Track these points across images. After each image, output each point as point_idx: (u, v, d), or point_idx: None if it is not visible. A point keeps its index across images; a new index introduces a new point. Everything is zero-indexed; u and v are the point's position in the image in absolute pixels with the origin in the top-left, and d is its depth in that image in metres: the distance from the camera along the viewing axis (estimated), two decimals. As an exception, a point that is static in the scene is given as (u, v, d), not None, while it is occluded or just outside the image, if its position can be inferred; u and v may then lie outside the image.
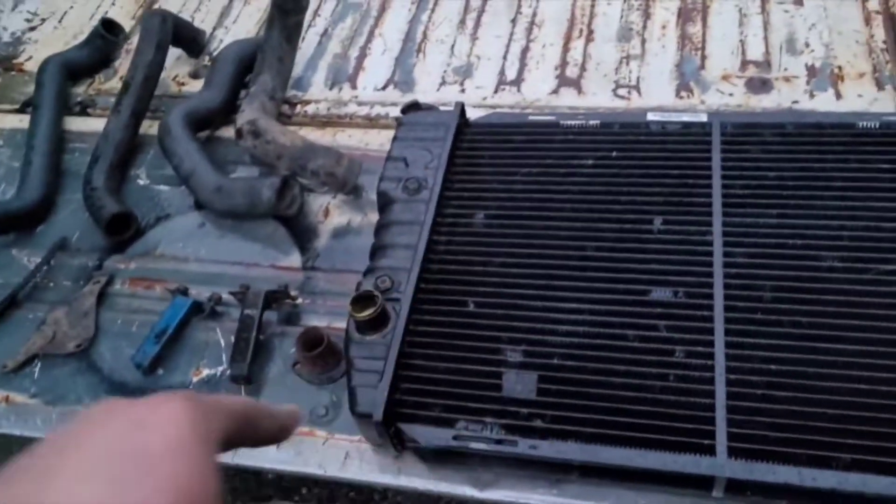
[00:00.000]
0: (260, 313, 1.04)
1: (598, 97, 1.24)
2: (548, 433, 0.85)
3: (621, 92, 1.24)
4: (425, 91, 1.30)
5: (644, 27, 1.33)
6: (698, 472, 0.80)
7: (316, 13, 1.48)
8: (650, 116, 1.10)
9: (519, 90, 1.28)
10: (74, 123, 1.38)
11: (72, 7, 1.63)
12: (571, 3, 1.40)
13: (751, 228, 0.96)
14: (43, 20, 1.62)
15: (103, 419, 0.35)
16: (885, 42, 1.23)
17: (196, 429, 0.35)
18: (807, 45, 1.25)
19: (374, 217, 1.14)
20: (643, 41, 1.31)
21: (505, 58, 1.33)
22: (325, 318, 1.07)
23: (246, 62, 1.32)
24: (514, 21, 1.39)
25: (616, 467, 0.82)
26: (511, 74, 1.30)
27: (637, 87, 1.24)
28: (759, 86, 1.21)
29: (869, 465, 0.78)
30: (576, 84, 1.27)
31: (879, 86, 1.17)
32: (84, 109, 1.40)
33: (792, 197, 0.98)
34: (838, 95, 1.17)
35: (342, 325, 0.99)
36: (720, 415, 0.82)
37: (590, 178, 1.05)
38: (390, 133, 1.19)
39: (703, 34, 1.30)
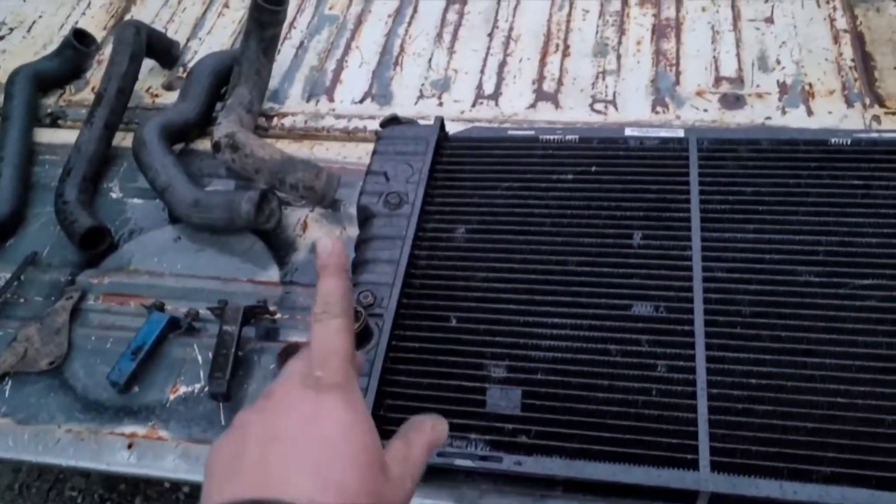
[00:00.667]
0: (238, 329, 1.03)
1: (575, 112, 1.25)
2: (532, 449, 0.85)
3: (598, 107, 1.26)
4: (403, 104, 1.30)
5: (619, 42, 1.35)
6: (682, 486, 0.80)
7: (292, 25, 1.48)
8: (628, 132, 1.12)
9: (497, 104, 1.29)
10: (45, 135, 1.35)
11: (41, 16, 1.60)
12: (547, 19, 1.41)
13: (729, 243, 0.97)
14: (11, 29, 1.59)
15: (281, 411, 0.50)
16: (853, 60, 1.26)
17: (352, 410, 0.51)
18: (778, 62, 1.27)
19: (353, 230, 1.14)
20: (618, 56, 1.33)
21: (482, 72, 1.34)
22: (304, 334, 1.06)
23: (222, 74, 1.31)
24: (490, 35, 1.40)
25: (601, 483, 0.83)
26: (489, 88, 1.31)
27: (613, 102, 1.26)
28: (733, 101, 1.23)
29: (849, 478, 0.79)
30: (553, 98, 1.28)
31: (849, 103, 1.20)
32: (54, 121, 1.37)
33: (768, 212, 1.00)
34: (809, 112, 1.20)
35: (323, 340, 0.98)
36: (702, 429, 0.83)
37: (570, 193, 1.06)
38: (368, 146, 1.19)
39: (677, 50, 1.32)
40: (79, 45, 1.41)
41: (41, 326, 1.08)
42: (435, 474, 0.89)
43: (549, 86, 1.30)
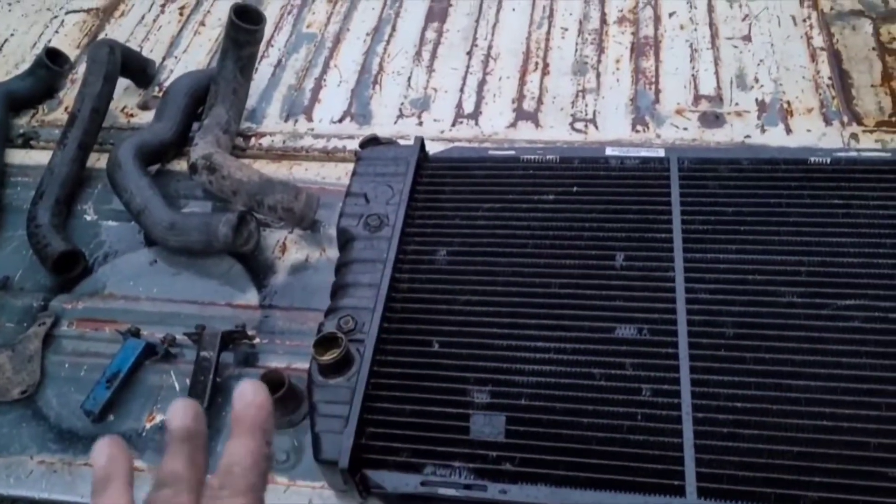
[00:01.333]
0: (216, 355, 1.01)
1: (555, 130, 1.25)
2: (517, 476, 0.84)
3: (578, 125, 1.25)
4: (382, 124, 1.29)
5: (599, 61, 1.35)
6: (669, 513, 0.80)
7: (270, 44, 1.46)
8: (609, 151, 1.11)
9: (477, 123, 1.28)
10: (16, 156, 1.33)
11: (13, 35, 1.58)
12: (526, 37, 1.41)
13: (711, 264, 0.97)
14: (-18, 48, 1.56)
15: None
16: (830, 78, 1.27)
17: None
18: (756, 80, 1.28)
19: (332, 252, 1.13)
20: (598, 74, 1.33)
21: (462, 90, 1.33)
22: (284, 359, 1.04)
23: (198, 94, 1.29)
24: (470, 53, 1.40)
25: (586, 510, 0.82)
26: (468, 107, 1.30)
27: (594, 121, 1.25)
28: (713, 120, 1.23)
29: (835, 503, 0.78)
30: (533, 117, 1.28)
31: (827, 121, 1.21)
32: (27, 142, 1.34)
33: (750, 232, 0.99)
34: (788, 130, 1.20)
35: (303, 365, 0.97)
36: (688, 454, 0.82)
37: (552, 214, 1.05)
38: (348, 166, 1.17)
39: (656, 68, 1.32)
40: (52, 64, 1.38)
41: (13, 354, 1.06)
42: (418, 502, 0.88)
43: (529, 104, 1.29)
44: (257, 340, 1.06)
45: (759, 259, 0.97)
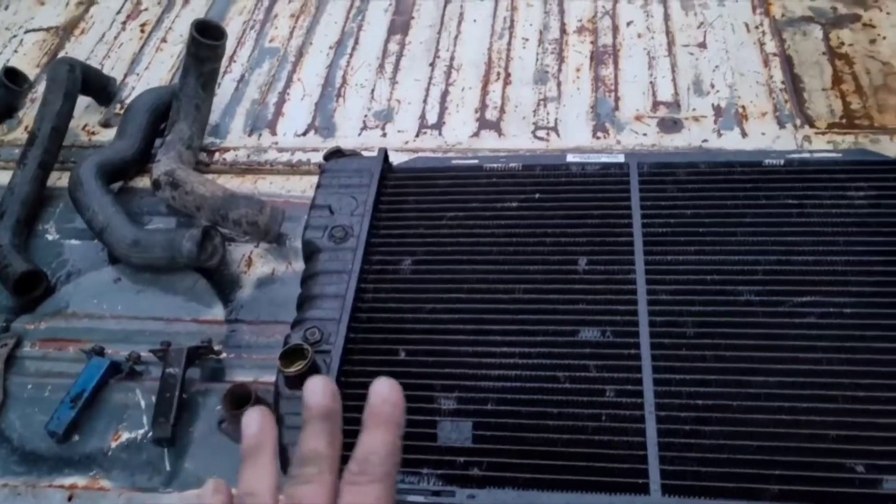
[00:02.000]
0: (182, 371, 1.00)
1: (518, 139, 1.26)
2: (485, 481, 0.84)
3: (540, 133, 1.27)
4: (346, 136, 1.30)
5: (559, 70, 1.37)
6: (635, 512, 0.81)
7: (232, 59, 1.46)
8: (570, 158, 1.13)
9: (440, 133, 1.29)
10: (-25, 177, 1.31)
11: (-30, 54, 1.57)
12: (488, 48, 1.43)
13: (671, 266, 0.99)
14: (-61, 68, 1.54)
15: None
16: (783, 82, 1.30)
17: None
18: (712, 85, 1.31)
19: (298, 265, 1.13)
20: (559, 83, 1.35)
21: (425, 101, 1.34)
22: (251, 373, 1.04)
23: (160, 110, 1.29)
24: (432, 65, 1.41)
25: (554, 512, 0.83)
26: (432, 118, 1.32)
27: (555, 129, 1.27)
28: (671, 125, 1.26)
29: (796, 495, 0.80)
30: (496, 126, 1.29)
31: (781, 124, 1.24)
32: (-14, 162, 1.33)
33: (708, 234, 1.01)
34: (744, 134, 1.23)
35: (270, 378, 0.97)
36: (652, 452, 0.83)
37: (515, 221, 1.06)
38: (312, 179, 1.18)
39: (616, 76, 1.34)
40: (10, 83, 1.37)
41: (-26, 376, 1.04)
42: (387, 510, 0.88)
43: (491, 114, 1.31)
44: (224, 355, 1.06)
45: (717, 259, 0.99)
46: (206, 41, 1.22)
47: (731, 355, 0.90)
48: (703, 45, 1.38)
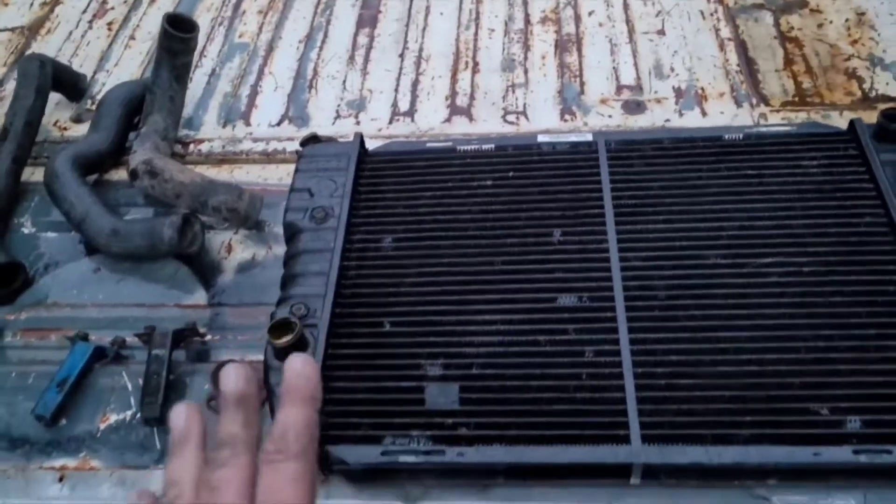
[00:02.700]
0: (168, 353, 1.02)
1: (488, 123, 1.30)
2: (473, 440, 0.87)
3: (510, 118, 1.31)
4: (321, 125, 1.32)
5: (525, 58, 1.41)
6: (617, 461, 0.85)
7: (202, 54, 1.48)
8: (541, 138, 1.17)
9: (413, 120, 1.33)
10: (-52, 174, 1.30)
11: (-65, 56, 1.56)
12: (455, 38, 1.47)
13: (641, 234, 1.03)
14: None
15: None
16: (738, 65, 1.36)
17: None
18: (672, 69, 1.36)
19: (278, 250, 1.15)
20: (526, 71, 1.39)
21: (396, 90, 1.38)
22: (237, 353, 1.05)
23: (133, 104, 1.30)
24: (402, 56, 1.45)
25: (540, 465, 0.86)
26: (404, 106, 1.35)
27: (524, 113, 1.32)
28: (635, 107, 1.31)
29: (766, 438, 0.85)
30: (466, 112, 1.33)
31: (738, 103, 1.30)
32: (-42, 160, 1.32)
33: (675, 204, 1.06)
34: (703, 113, 1.29)
35: (255, 357, 0.99)
36: (631, 406, 0.87)
37: (490, 198, 1.10)
38: (289, 167, 1.20)
39: (580, 63, 1.39)
40: (-21, 81, 1.37)
41: (-44, 367, 1.04)
42: (379, 474, 0.91)
43: (461, 101, 1.35)
44: (209, 337, 1.07)
45: (685, 227, 1.04)
46: (179, 34, 1.23)
47: (701, 314, 0.95)
48: (661, 32, 1.43)
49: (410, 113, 1.34)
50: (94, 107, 1.37)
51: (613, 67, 1.38)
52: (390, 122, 1.32)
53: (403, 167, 1.15)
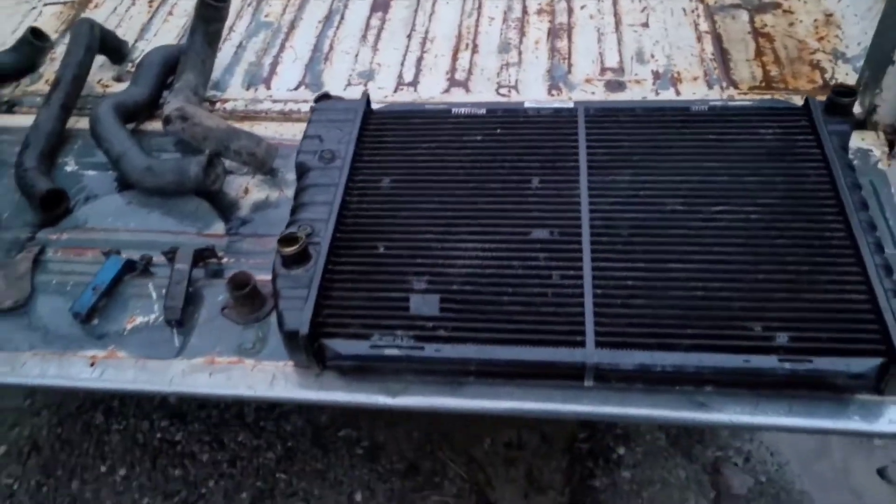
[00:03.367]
0: (190, 267, 1.16)
1: (483, 95, 1.45)
2: (449, 340, 1.01)
3: (503, 91, 1.46)
4: (333, 91, 1.47)
5: (520, 42, 1.57)
6: (572, 360, 0.98)
7: (231, 29, 1.64)
8: (527, 104, 1.32)
9: (416, 90, 1.48)
10: (2, 120, 1.46)
11: (-6, 21, 1.73)
12: (458, 24, 1.62)
13: (610, 183, 1.17)
14: (-36, 33, 1.70)
15: None
16: (713, 54, 1.51)
17: None
18: (652, 56, 1.51)
19: (289, 193, 1.29)
20: (520, 53, 1.54)
21: (402, 65, 1.53)
22: (251, 271, 1.18)
23: (169, 65, 1.45)
24: (409, 37, 1.60)
25: (506, 362, 0.99)
26: (408, 77, 1.50)
27: (516, 87, 1.46)
28: (616, 86, 1.45)
29: (704, 348, 0.97)
30: (464, 85, 1.48)
31: (709, 86, 1.44)
32: (10, 108, 1.49)
33: (642, 161, 1.20)
34: (678, 93, 1.43)
35: (266, 277, 1.13)
36: (589, 319, 1.01)
37: (478, 150, 1.24)
38: (303, 125, 1.35)
39: (569, 48, 1.54)
40: (35, 40, 1.53)
41: (4, 272, 1.19)
42: (366, 370, 1.04)
43: (460, 75, 1.50)
44: (224, 259, 1.21)
45: (649, 179, 1.17)
46: (213, 3, 1.39)
47: (658, 249, 1.08)
48: (645, 25, 1.58)
49: (414, 84, 1.49)
50: (133, 69, 1.53)
51: (599, 53, 1.53)
52: (395, 91, 1.47)
53: (404, 123, 1.30)
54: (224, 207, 1.30)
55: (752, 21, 1.58)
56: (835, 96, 1.23)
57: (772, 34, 1.55)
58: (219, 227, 1.27)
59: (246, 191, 1.33)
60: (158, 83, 1.44)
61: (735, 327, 1.00)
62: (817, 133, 1.22)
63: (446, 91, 1.47)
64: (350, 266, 1.09)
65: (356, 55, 1.56)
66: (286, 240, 1.06)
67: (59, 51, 1.59)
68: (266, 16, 1.69)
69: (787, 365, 0.97)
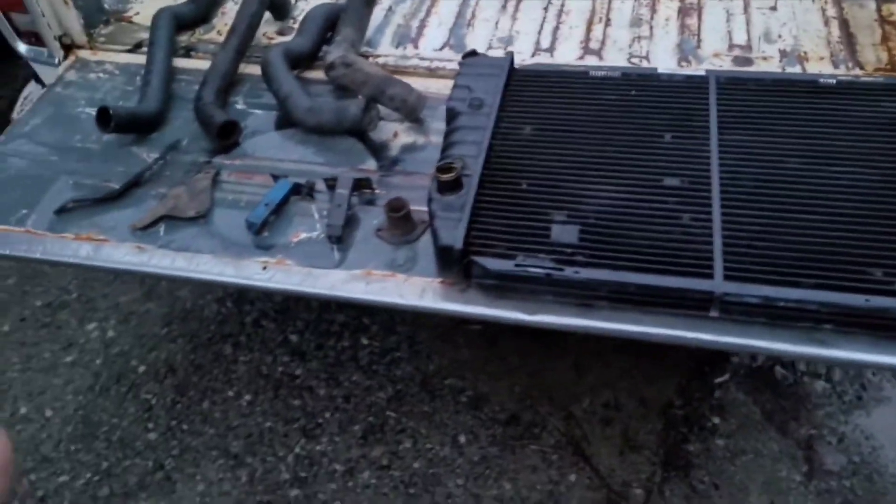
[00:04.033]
0: (349, 193, 1.30)
1: (615, 63, 1.55)
2: (586, 265, 1.11)
3: (634, 60, 1.56)
4: (475, 53, 1.60)
5: (651, 18, 1.66)
6: (701, 289, 1.07)
7: (380, -4, 1.79)
8: (660, 70, 1.42)
9: (551, 55, 1.59)
10: (180, 62, 1.65)
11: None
12: (592, 0, 1.73)
13: (739, 143, 1.26)
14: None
15: None
16: (839, 38, 1.57)
17: None
18: (779, 36, 1.58)
19: (435, 139, 1.42)
20: (651, 28, 1.64)
21: (539, 33, 1.65)
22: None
23: (330, 21, 1.61)
24: (546, 9, 1.72)
25: (638, 287, 1.09)
26: (545, 44, 1.62)
27: (647, 58, 1.56)
28: (743, 61, 1.53)
29: (827, 287, 1.05)
30: (597, 53, 1.59)
31: (835, 65, 1.50)
32: (188, 52, 1.67)
33: (769, 124, 1.28)
34: (804, 71, 1.50)
35: (415, 207, 1.26)
36: (717, 255, 1.10)
37: (613, 107, 1.35)
38: (448, 82, 1.48)
39: (699, 26, 1.63)
40: (208, -6, 1.72)
41: (188, 187, 1.35)
42: (507, 290, 1.15)
43: (594, 45, 1.61)
44: (378, 191, 1.35)
45: (774, 141, 1.25)
46: (373, -33, 1.54)
47: (782, 200, 1.16)
48: (773, 8, 1.65)
49: (550, 50, 1.60)
50: (295, 25, 1.69)
51: (728, 31, 1.61)
52: (532, 55, 1.59)
53: (544, 80, 1.41)
54: (375, 147, 1.44)
55: (879, 10, 1.63)
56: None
57: (899, 22, 1.60)
58: (371, 163, 1.41)
59: (395, 134, 1.46)
60: (320, 36, 1.60)
61: (856, 272, 1.07)
62: (945, 109, 1.28)
63: (580, 58, 1.58)
64: (496, 197, 1.21)
65: (496, 23, 1.69)
66: (443, 168, 1.19)
67: (229, 6, 1.77)
68: (412, -16, 1.83)
69: (907, 307, 1.04)
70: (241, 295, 2.20)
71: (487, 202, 1.20)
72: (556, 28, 1.66)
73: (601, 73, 1.42)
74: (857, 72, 1.49)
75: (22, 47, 1.67)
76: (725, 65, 1.53)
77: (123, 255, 1.27)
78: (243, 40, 1.57)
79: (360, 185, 1.33)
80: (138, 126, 1.47)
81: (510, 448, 1.84)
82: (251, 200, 1.34)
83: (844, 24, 1.60)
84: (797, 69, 1.50)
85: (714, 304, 1.08)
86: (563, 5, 1.72)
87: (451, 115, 1.36)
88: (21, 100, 1.77)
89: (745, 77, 1.38)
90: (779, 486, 1.75)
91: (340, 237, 1.26)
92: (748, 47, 1.56)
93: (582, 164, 1.25)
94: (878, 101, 1.31)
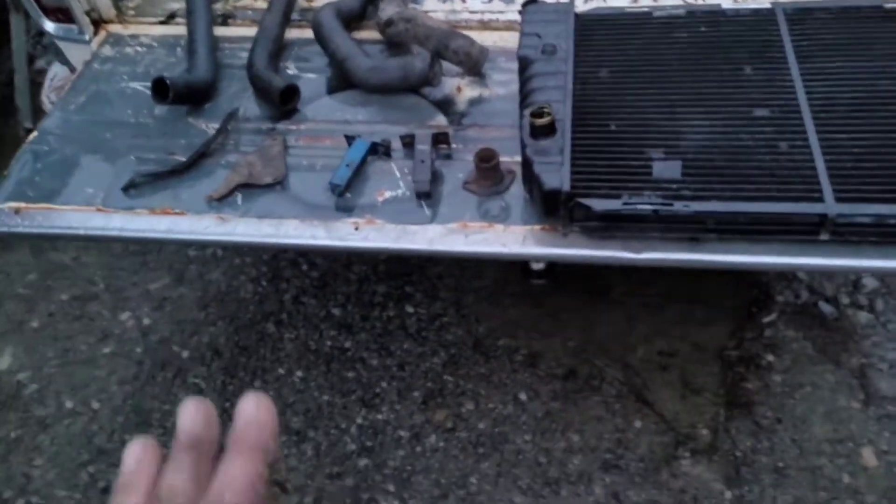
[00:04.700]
0: (430, 147, 1.27)
1: (669, 2, 1.54)
2: (694, 199, 1.11)
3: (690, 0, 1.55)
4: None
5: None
6: (813, 212, 1.07)
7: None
8: (724, 5, 1.41)
9: (605, 1, 1.57)
10: (218, 31, 1.59)
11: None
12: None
13: (820, 70, 1.25)
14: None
15: None
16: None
17: None
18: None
19: (500, 91, 1.40)
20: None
21: (589, -17, 1.62)
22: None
23: (375, -21, 1.57)
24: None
25: (750, 215, 1.09)
26: (597, -8, 1.60)
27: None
28: None
29: (937, 203, 1.06)
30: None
31: (888, -7, 1.50)
32: (225, 20, 1.62)
33: (845, 51, 1.28)
34: None
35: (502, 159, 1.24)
36: (823, 178, 1.10)
37: (686, 45, 1.33)
38: (500, 34, 1.46)
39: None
40: (244, -40, 1.66)
41: (260, 154, 1.31)
42: (609, 231, 1.14)
43: None
44: (454, 146, 1.32)
45: (857, 65, 1.25)
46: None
47: (879, 120, 1.16)
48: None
49: (603, -3, 1.58)
50: (333, -14, 1.64)
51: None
52: (585, 2, 1.57)
53: (609, 23, 1.40)
54: (441, 103, 1.42)
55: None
56: None
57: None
58: (440, 119, 1.39)
59: (459, 89, 1.43)
60: (366, -4, 1.56)
61: (964, 188, 1.08)
62: None
63: (635, 1, 1.56)
64: (588, 140, 1.20)
65: (541, -26, 1.66)
66: (537, 114, 1.17)
67: (262, -28, 1.71)
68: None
69: None
70: (276, 274, 2.16)
71: (580, 145, 1.18)
72: (605, -24, 1.64)
73: (665, 13, 1.40)
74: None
75: (49, 26, 1.60)
76: (781, 0, 1.53)
77: (206, 226, 1.23)
78: (289, 2, 1.53)
79: (438, 139, 1.30)
80: (193, 96, 1.42)
81: (572, 401, 1.84)
82: (326, 164, 1.30)
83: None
84: (855, 0, 1.51)
85: (825, 228, 1.09)
86: (605, -50, 1.70)
87: (525, 63, 1.33)
88: (48, 81, 1.70)
89: (811, 6, 1.38)
90: (839, 416, 1.77)
91: (429, 192, 1.23)
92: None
93: (669, 102, 1.24)
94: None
